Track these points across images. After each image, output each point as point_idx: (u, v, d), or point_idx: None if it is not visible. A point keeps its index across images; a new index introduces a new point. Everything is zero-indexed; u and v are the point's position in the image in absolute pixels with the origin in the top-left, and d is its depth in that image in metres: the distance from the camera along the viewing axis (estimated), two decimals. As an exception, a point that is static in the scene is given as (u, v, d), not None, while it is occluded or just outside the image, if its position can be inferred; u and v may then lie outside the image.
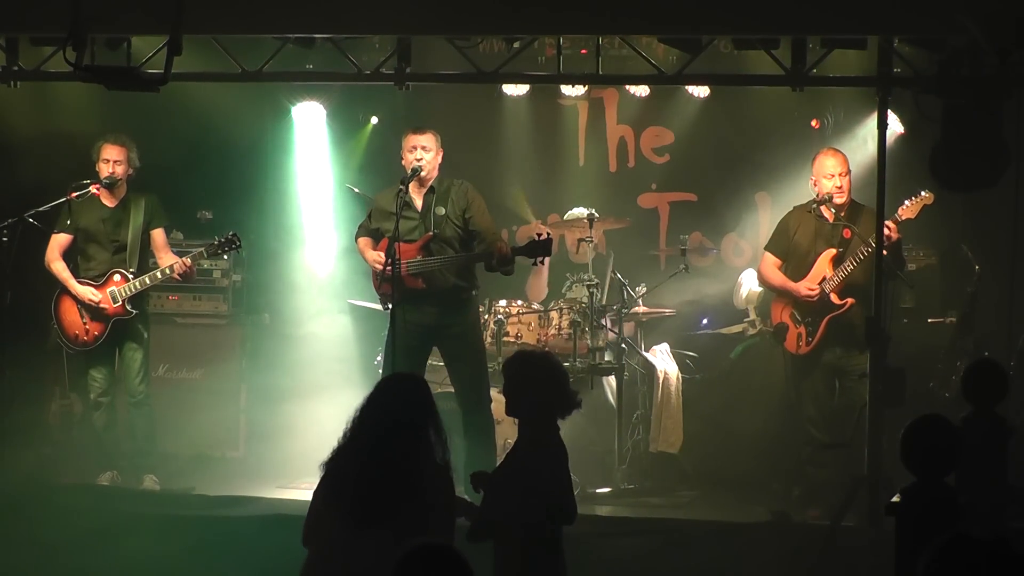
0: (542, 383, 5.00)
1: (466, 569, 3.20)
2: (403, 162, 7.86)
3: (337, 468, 4.59)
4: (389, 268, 7.47)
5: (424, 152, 7.74)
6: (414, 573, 3.21)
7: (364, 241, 8.04)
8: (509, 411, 5.12)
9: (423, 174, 7.75)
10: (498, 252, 7.58)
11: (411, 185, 7.77)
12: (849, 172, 8.07)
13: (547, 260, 8.06)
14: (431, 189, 7.82)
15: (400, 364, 7.51)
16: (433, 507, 4.52)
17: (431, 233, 7.74)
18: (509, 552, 4.84)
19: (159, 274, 8.20)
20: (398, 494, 4.46)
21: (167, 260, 8.30)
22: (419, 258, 7.69)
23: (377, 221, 7.95)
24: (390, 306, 7.69)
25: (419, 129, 7.84)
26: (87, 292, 8.16)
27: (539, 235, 7.73)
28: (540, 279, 9.13)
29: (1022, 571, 2.95)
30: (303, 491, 8.47)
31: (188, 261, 8.20)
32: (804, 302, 8.05)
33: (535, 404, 4.99)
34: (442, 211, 7.78)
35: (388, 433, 4.57)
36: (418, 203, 7.82)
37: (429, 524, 4.46)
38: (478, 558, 3.27)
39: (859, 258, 7.84)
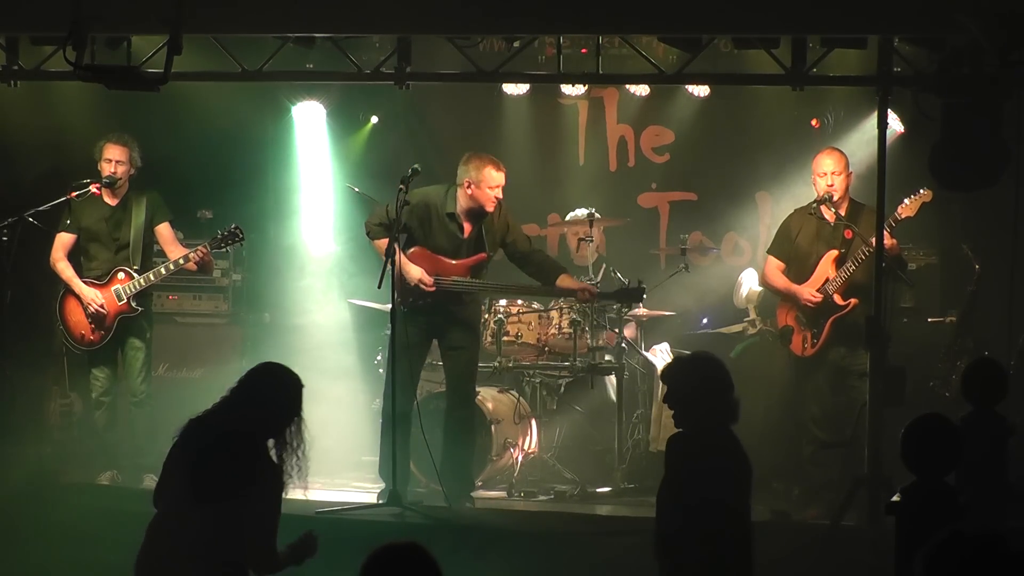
0: (709, 390, 5.00)
1: (435, 570, 3.18)
2: (482, 197, 7.61)
3: (192, 436, 4.66)
4: (431, 287, 7.52)
5: (500, 191, 7.66)
6: (381, 573, 3.20)
7: (384, 243, 7.57)
8: (680, 423, 5.04)
9: (490, 209, 7.66)
10: (582, 297, 7.75)
11: (463, 212, 7.67)
12: (847, 172, 8.06)
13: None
14: (487, 220, 7.74)
15: (401, 361, 7.49)
16: (259, 504, 4.57)
17: (488, 254, 7.72)
18: (685, 567, 4.76)
19: (163, 269, 8.17)
20: (234, 480, 4.54)
21: (176, 254, 8.27)
22: (467, 277, 7.68)
23: (410, 218, 7.63)
24: (403, 308, 7.63)
25: (500, 167, 7.68)
26: (91, 295, 8.15)
27: (629, 283, 7.83)
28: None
29: (1018, 567, 2.95)
30: (303, 491, 8.48)
31: (205, 248, 8.17)
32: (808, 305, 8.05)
33: (707, 410, 4.96)
34: (497, 236, 7.78)
35: (252, 420, 4.63)
36: (466, 227, 7.74)
37: (251, 518, 4.56)
38: (463, 558, 3.25)
39: (860, 259, 7.83)
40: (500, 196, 7.66)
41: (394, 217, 7.46)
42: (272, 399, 4.73)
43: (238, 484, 4.55)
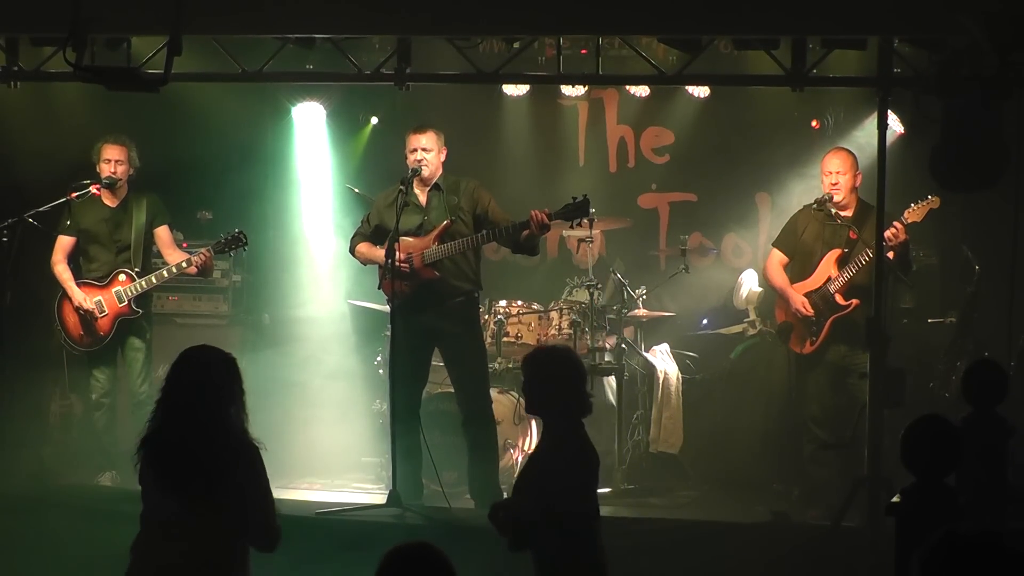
0: (563, 380, 4.94)
1: (448, 569, 3.17)
2: (407, 162, 7.73)
3: (159, 443, 4.80)
4: (404, 265, 7.41)
5: (425, 152, 7.65)
6: (396, 573, 3.18)
7: (365, 245, 7.83)
8: (528, 409, 5.11)
9: (424, 174, 7.68)
10: (536, 219, 7.30)
11: (415, 184, 7.68)
12: (854, 172, 8.05)
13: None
14: (436, 186, 7.72)
15: (403, 364, 7.48)
16: (252, 481, 4.69)
17: (449, 220, 7.60)
18: (545, 556, 4.79)
19: (165, 272, 8.18)
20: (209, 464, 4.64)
21: (175, 257, 8.28)
22: (435, 246, 7.57)
23: (378, 219, 7.81)
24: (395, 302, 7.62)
25: (420, 128, 7.73)
26: (80, 297, 8.15)
27: (575, 197, 7.49)
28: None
29: (1013, 567, 2.96)
30: (303, 491, 8.49)
31: (207, 252, 8.16)
32: (808, 301, 8.05)
33: (557, 401, 4.92)
34: (455, 200, 7.67)
35: (198, 405, 4.69)
36: (422, 199, 7.71)
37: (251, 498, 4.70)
38: (463, 559, 3.25)
39: (863, 261, 7.83)
40: (422, 158, 7.60)
41: (369, 231, 7.79)
42: (200, 383, 4.69)
43: (223, 471, 4.59)
